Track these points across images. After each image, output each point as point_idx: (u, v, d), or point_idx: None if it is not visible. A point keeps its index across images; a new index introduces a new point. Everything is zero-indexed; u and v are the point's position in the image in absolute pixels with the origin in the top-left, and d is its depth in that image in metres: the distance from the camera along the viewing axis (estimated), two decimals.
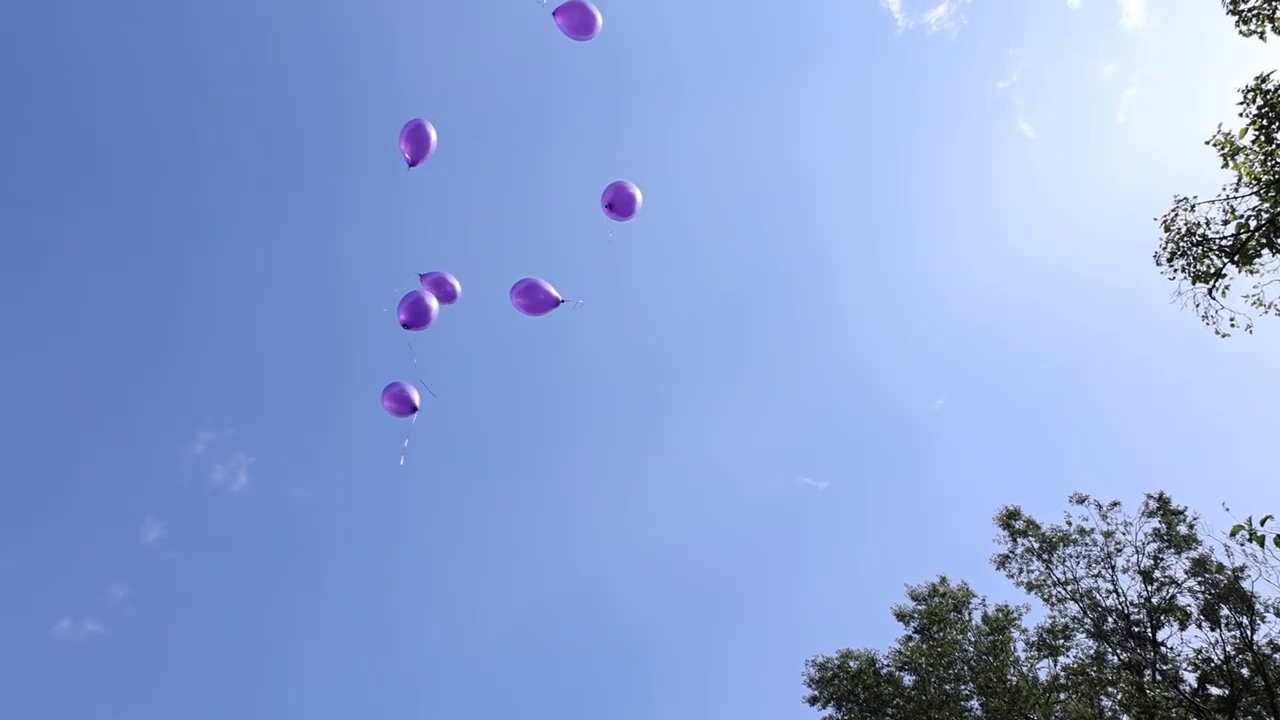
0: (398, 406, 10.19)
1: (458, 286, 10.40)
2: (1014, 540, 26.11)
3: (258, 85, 46.45)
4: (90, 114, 43.71)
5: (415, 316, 9.99)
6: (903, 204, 55.18)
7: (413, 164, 10.15)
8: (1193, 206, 15.58)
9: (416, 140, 10.12)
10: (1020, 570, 25.82)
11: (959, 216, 54.03)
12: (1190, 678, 23.89)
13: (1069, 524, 25.96)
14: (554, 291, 10.02)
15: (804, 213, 55.12)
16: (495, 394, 51.05)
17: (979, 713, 24.17)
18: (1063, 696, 23.52)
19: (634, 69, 50.49)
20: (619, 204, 10.31)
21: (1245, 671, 22.82)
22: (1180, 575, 24.42)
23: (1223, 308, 15.74)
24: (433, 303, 10.08)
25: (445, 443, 47.57)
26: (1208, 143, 14.98)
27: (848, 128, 53.68)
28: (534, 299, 10.05)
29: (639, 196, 10.38)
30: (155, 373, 47.11)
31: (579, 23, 10.01)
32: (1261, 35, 15.24)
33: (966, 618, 26.01)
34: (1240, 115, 14.66)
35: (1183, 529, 24.64)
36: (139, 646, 42.55)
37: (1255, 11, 15.01)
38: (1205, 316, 15.85)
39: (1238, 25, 15.24)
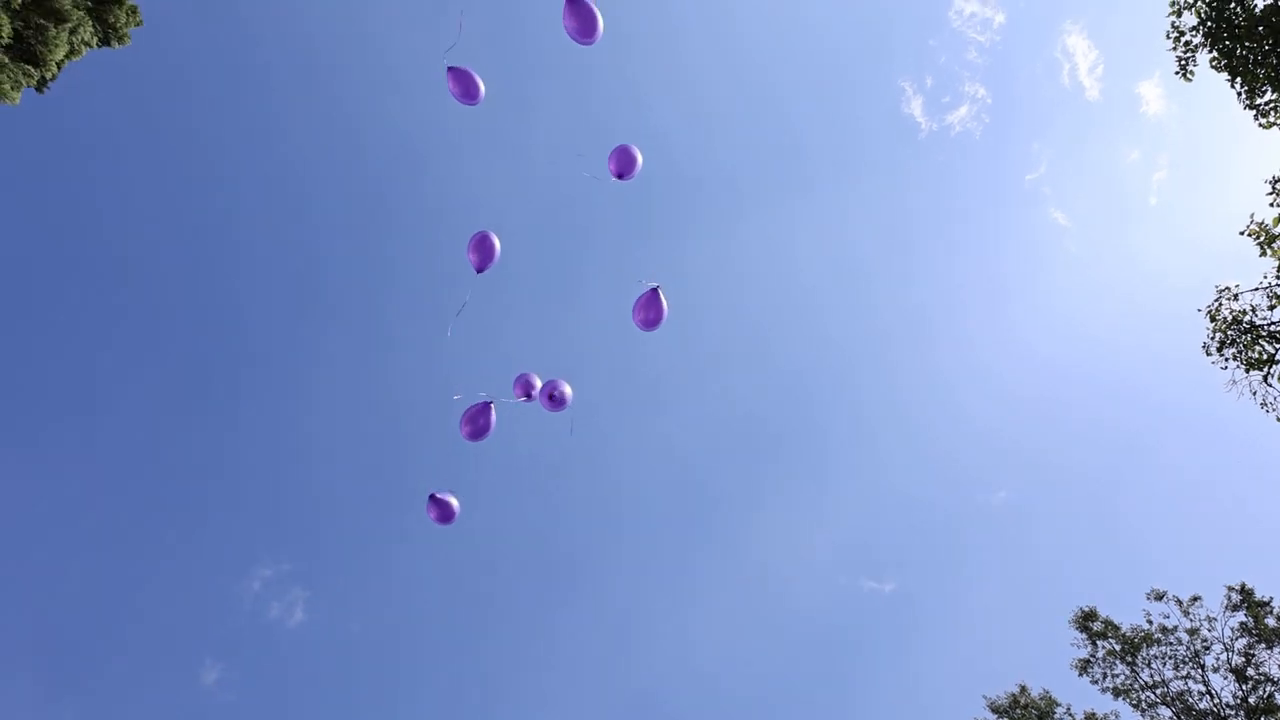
0: (441, 512, 10.46)
1: (537, 385, 10.85)
2: (1093, 643, 25.07)
3: (299, 227, 48.82)
4: (143, 261, 46.14)
5: (475, 429, 10.35)
6: (947, 300, 55.47)
7: (480, 270, 10.75)
8: (1236, 295, 15.59)
9: (483, 250, 10.71)
10: (1104, 675, 24.69)
11: (1003, 309, 54.05)
12: None
13: (1149, 622, 24.91)
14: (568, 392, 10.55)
15: (850, 315, 55.59)
16: (547, 512, 50.94)
17: None
18: None
19: (665, 195, 52.22)
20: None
21: None
22: (1275, 672, 23.17)
23: None
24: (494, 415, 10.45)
25: (500, 561, 47.33)
26: (1242, 233, 15.13)
27: (883, 231, 54.59)
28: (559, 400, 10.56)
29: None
30: (209, 513, 47.93)
31: (624, 165, 10.75)
32: None
33: None
34: (1271, 205, 14.85)
35: (1271, 621, 23.51)
36: None
37: (1273, 105, 15.41)
38: (1264, 404, 15.61)
39: (1256, 118, 15.63)
